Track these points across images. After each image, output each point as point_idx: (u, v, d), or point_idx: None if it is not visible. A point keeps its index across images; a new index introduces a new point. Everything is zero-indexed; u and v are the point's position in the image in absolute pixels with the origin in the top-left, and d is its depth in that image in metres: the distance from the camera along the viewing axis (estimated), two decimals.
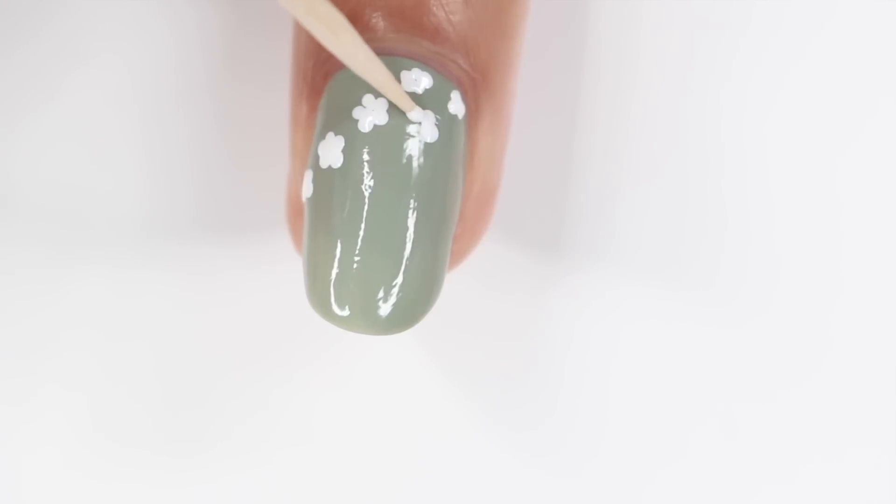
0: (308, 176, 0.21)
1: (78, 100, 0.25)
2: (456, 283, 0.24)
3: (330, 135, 0.21)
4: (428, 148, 0.21)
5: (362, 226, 0.21)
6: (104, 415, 0.25)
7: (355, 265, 0.21)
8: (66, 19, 0.25)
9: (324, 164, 0.21)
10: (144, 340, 0.25)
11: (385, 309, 0.21)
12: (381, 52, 0.21)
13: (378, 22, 0.21)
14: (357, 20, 0.21)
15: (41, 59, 0.25)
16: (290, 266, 0.24)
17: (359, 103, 0.21)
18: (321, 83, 0.22)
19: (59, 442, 0.25)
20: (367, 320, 0.21)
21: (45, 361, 0.25)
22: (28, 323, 0.25)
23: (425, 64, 0.21)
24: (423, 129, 0.21)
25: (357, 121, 0.21)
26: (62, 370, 0.25)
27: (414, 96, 0.21)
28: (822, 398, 0.25)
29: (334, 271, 0.21)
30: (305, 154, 0.22)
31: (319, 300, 0.21)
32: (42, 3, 0.25)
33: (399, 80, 0.21)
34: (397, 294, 0.21)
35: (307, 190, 0.21)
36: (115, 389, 0.25)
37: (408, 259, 0.21)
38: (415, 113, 0.21)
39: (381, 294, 0.21)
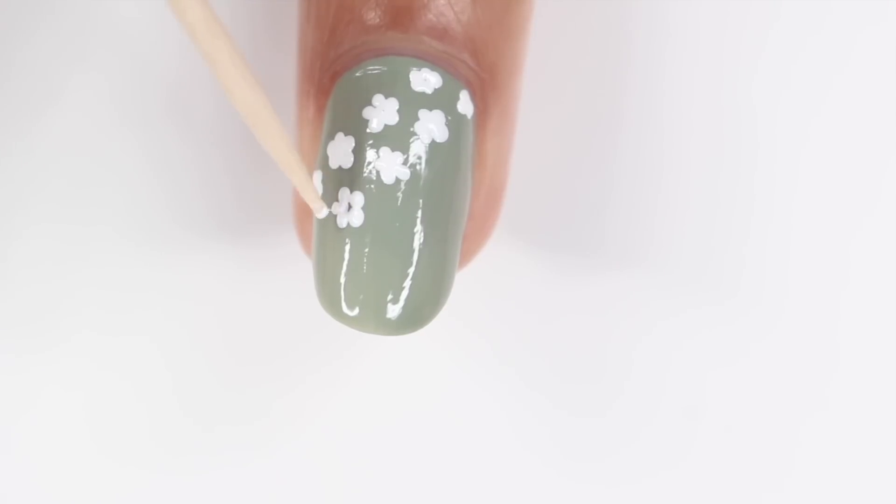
0: (317, 177, 0.21)
1: (81, 101, 0.25)
2: (462, 284, 0.23)
3: (339, 135, 0.21)
4: (438, 148, 0.21)
5: (372, 226, 0.21)
6: (106, 418, 0.25)
7: (365, 266, 0.21)
8: (67, 19, 0.25)
9: (333, 164, 0.21)
10: (151, 344, 0.25)
11: (395, 309, 0.21)
12: (389, 53, 0.21)
13: (386, 22, 0.21)
14: (365, 21, 0.21)
15: (43, 59, 0.25)
16: (298, 267, 0.24)
17: (369, 103, 0.21)
18: (328, 84, 0.22)
19: (60, 444, 0.25)
20: (377, 320, 0.21)
21: (47, 363, 0.25)
22: (30, 325, 0.25)
23: (434, 64, 0.21)
24: (433, 129, 0.21)
25: (367, 121, 0.21)
26: (64, 373, 0.25)
27: (423, 96, 0.21)
28: (857, 405, 0.25)
29: (344, 272, 0.21)
30: (312, 155, 0.22)
31: (329, 300, 0.21)
32: (43, 3, 0.25)
33: (409, 80, 0.21)
34: (407, 294, 0.21)
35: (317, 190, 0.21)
36: (117, 393, 0.25)
37: (418, 259, 0.21)
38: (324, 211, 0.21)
39: (391, 294, 0.21)
